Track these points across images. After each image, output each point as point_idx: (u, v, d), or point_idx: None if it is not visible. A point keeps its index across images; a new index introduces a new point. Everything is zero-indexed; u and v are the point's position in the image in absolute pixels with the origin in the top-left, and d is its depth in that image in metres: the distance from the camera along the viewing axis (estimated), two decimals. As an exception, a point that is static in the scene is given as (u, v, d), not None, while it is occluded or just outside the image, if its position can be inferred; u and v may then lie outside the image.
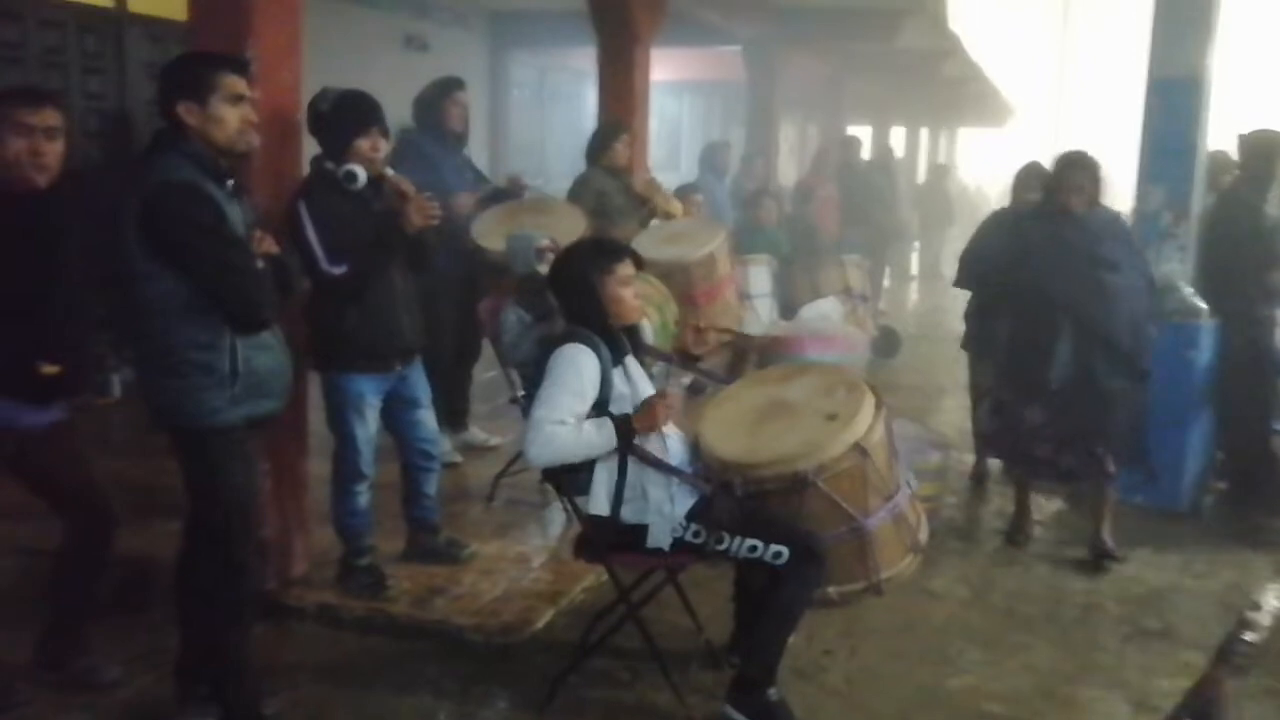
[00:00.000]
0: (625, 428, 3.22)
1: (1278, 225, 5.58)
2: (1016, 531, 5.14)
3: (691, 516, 3.27)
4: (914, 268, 17.42)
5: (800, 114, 18.31)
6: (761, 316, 6.60)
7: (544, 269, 4.35)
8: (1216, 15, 5.73)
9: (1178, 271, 5.64)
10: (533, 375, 3.44)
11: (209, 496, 3.14)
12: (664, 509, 3.25)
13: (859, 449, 3.23)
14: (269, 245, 3.21)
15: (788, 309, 6.88)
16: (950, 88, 17.03)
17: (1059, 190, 4.74)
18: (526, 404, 3.48)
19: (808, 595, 3.24)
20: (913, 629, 4.15)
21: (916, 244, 17.19)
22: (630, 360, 3.45)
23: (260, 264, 3.14)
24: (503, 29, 12.51)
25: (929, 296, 14.93)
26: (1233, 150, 5.98)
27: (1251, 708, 3.75)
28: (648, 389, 3.46)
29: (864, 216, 11.07)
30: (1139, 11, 7.02)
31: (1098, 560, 4.78)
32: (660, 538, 3.27)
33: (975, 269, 5.75)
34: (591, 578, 4.30)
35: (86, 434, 3.59)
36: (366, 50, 9.37)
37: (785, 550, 3.15)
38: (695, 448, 3.45)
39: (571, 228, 5.19)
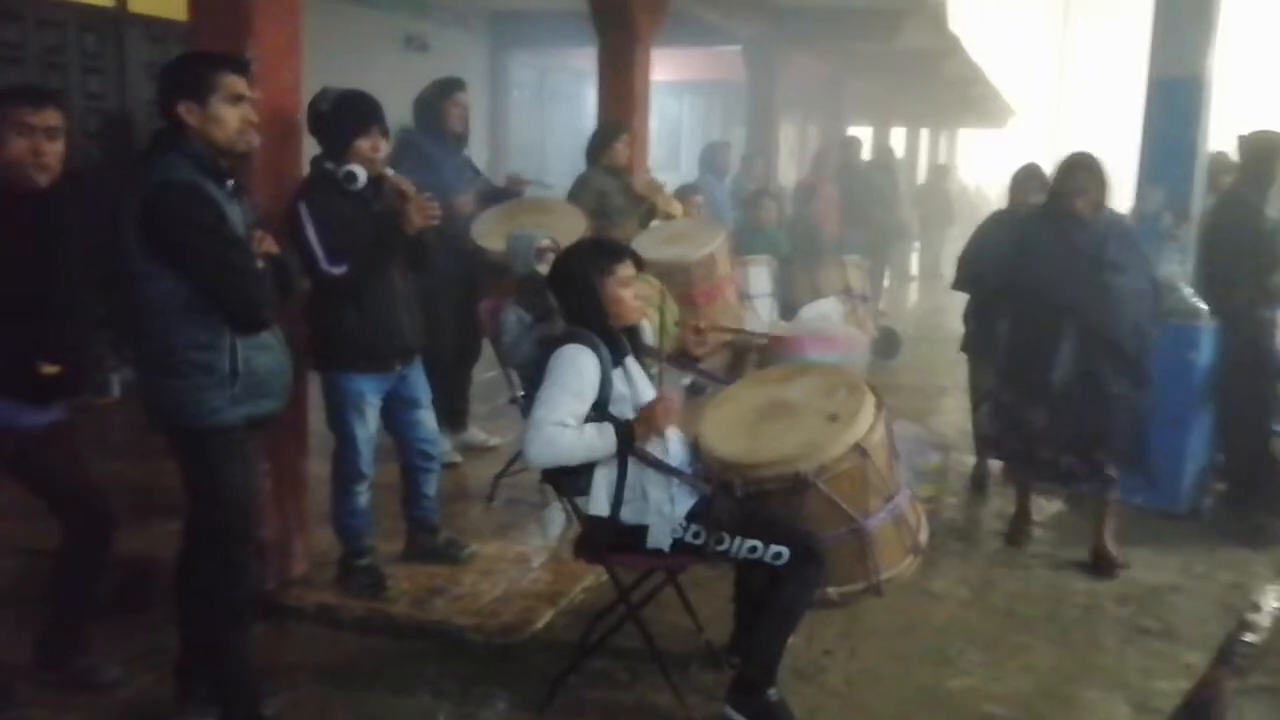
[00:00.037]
0: (626, 432, 3.21)
1: (1278, 226, 5.57)
2: (1016, 532, 5.14)
3: (691, 517, 3.27)
4: (914, 268, 17.43)
5: (800, 114, 18.30)
6: (761, 317, 6.61)
7: (544, 269, 4.35)
8: (1217, 15, 5.72)
9: (1177, 273, 5.64)
10: (532, 375, 3.44)
11: (209, 497, 3.14)
12: (664, 509, 3.25)
13: (859, 450, 3.23)
14: (269, 245, 3.21)
15: (788, 309, 6.89)
16: (950, 88, 17.03)
17: (1064, 192, 4.72)
18: (526, 404, 3.48)
19: (808, 596, 3.24)
20: (913, 630, 4.14)
21: (916, 244, 17.19)
22: (630, 361, 3.45)
23: (260, 264, 3.13)
24: (503, 29, 12.51)
25: (929, 297, 14.93)
26: (1233, 151, 5.98)
27: (1251, 708, 3.75)
28: (648, 390, 3.45)
29: (864, 217, 11.08)
30: (1139, 12, 7.02)
31: (1099, 567, 4.77)
32: (660, 538, 3.26)
33: (974, 270, 5.75)
34: (591, 578, 4.30)
35: (86, 434, 3.58)
36: (366, 50, 9.37)
37: (785, 551, 3.15)
38: (695, 448, 3.45)
39: (571, 228, 5.19)
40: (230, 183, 3.09)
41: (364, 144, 3.90)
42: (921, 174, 20.85)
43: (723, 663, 3.68)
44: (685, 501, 3.28)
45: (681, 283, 5.58)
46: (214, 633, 3.22)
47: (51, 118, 3.19)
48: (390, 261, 3.95)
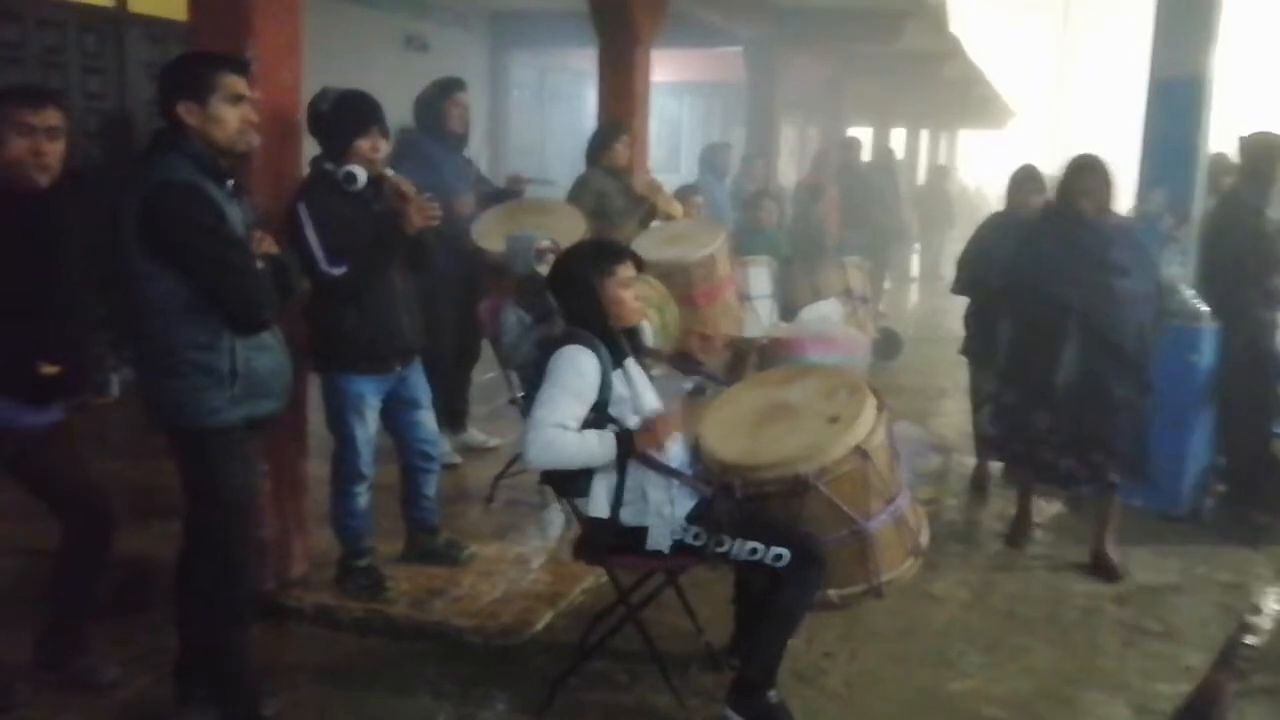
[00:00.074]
0: (627, 442, 3.21)
1: (1278, 228, 5.57)
2: (1017, 534, 5.14)
3: (692, 519, 3.26)
4: (914, 269, 17.42)
5: (801, 115, 18.30)
6: (762, 318, 6.60)
7: (544, 270, 4.34)
8: (1218, 17, 5.72)
9: (1178, 274, 5.64)
10: (532, 376, 3.43)
11: (208, 497, 3.14)
12: (664, 511, 3.25)
13: (860, 452, 3.22)
14: (269, 245, 3.21)
15: (788, 310, 6.88)
16: (951, 89, 17.03)
17: (1070, 193, 4.72)
18: (526, 405, 3.47)
19: (808, 598, 3.23)
20: (913, 632, 4.14)
21: (917, 246, 17.19)
22: (630, 362, 3.44)
23: (260, 264, 3.13)
24: (503, 29, 12.51)
25: (929, 298, 14.93)
26: (1233, 152, 5.98)
27: (1252, 710, 3.75)
28: (648, 391, 3.45)
29: (864, 218, 11.09)
30: (1139, 13, 7.02)
31: (1099, 571, 4.77)
32: (660, 540, 3.26)
33: (974, 273, 5.75)
34: (591, 579, 4.30)
35: (86, 434, 3.58)
36: (366, 50, 9.37)
37: (786, 553, 3.14)
38: (695, 450, 3.44)
39: (571, 229, 5.18)
40: (230, 183, 3.08)
41: (364, 144, 3.90)
42: (922, 175, 20.84)
43: (723, 664, 3.68)
44: (685, 503, 3.28)
45: (681, 284, 5.57)
46: (214, 633, 3.21)
47: (52, 118, 3.18)
48: (390, 262, 3.94)
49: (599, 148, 6.30)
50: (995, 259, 5.37)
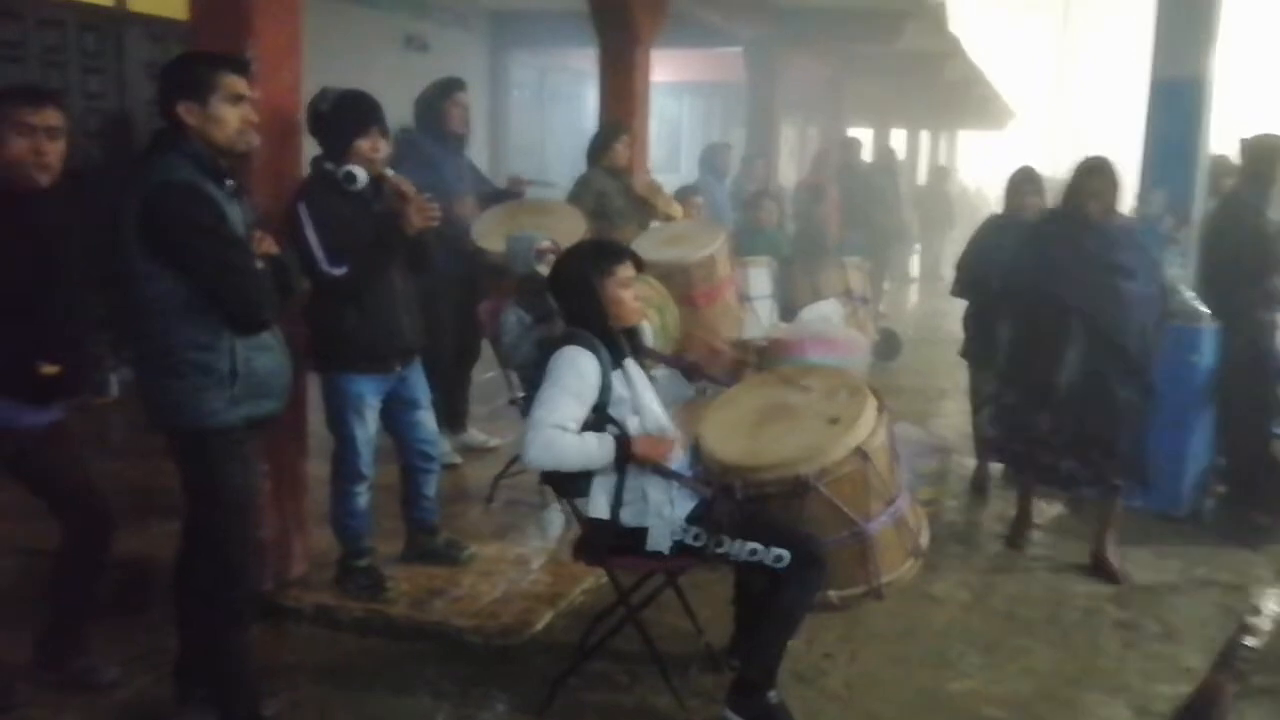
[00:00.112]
0: (626, 448, 3.21)
1: (1279, 229, 5.57)
2: (1017, 535, 5.13)
3: (692, 519, 3.26)
4: (914, 270, 17.42)
5: (801, 116, 18.30)
6: (762, 318, 6.60)
7: (544, 270, 4.34)
8: (1218, 17, 5.72)
9: (1179, 275, 5.64)
10: (532, 377, 3.44)
11: (208, 497, 3.13)
12: (664, 512, 3.25)
13: (860, 453, 3.22)
14: (269, 245, 3.20)
15: (788, 311, 6.88)
16: (951, 90, 17.02)
17: (1078, 196, 4.72)
18: (526, 405, 3.47)
19: (808, 599, 3.23)
20: (913, 633, 4.14)
21: (917, 246, 17.19)
22: (630, 363, 3.44)
23: (260, 264, 3.13)
24: (503, 29, 12.51)
25: (929, 299, 14.93)
26: (1234, 154, 5.98)
27: (1252, 711, 3.75)
28: (648, 392, 3.45)
29: (864, 219, 11.09)
30: (1140, 14, 7.03)
31: (1099, 572, 4.76)
32: (660, 541, 3.26)
33: (973, 275, 5.74)
34: (591, 580, 4.29)
35: (84, 434, 3.58)
36: (366, 50, 9.36)
37: (786, 554, 3.14)
38: (696, 450, 3.44)
39: (571, 229, 5.18)
40: (230, 183, 3.08)
41: (364, 144, 3.90)
42: (922, 176, 20.84)
43: (723, 665, 3.68)
44: (685, 504, 3.28)
45: (681, 284, 5.58)
46: (213, 633, 3.21)
47: (52, 117, 3.18)
48: (390, 262, 3.94)
49: (599, 148, 6.30)
50: (995, 261, 5.37)
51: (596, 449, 3.20)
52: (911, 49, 12.80)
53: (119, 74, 7.04)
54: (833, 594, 3.33)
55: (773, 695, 3.25)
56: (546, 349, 3.36)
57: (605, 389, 3.26)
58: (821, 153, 12.68)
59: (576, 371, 3.22)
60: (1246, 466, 5.80)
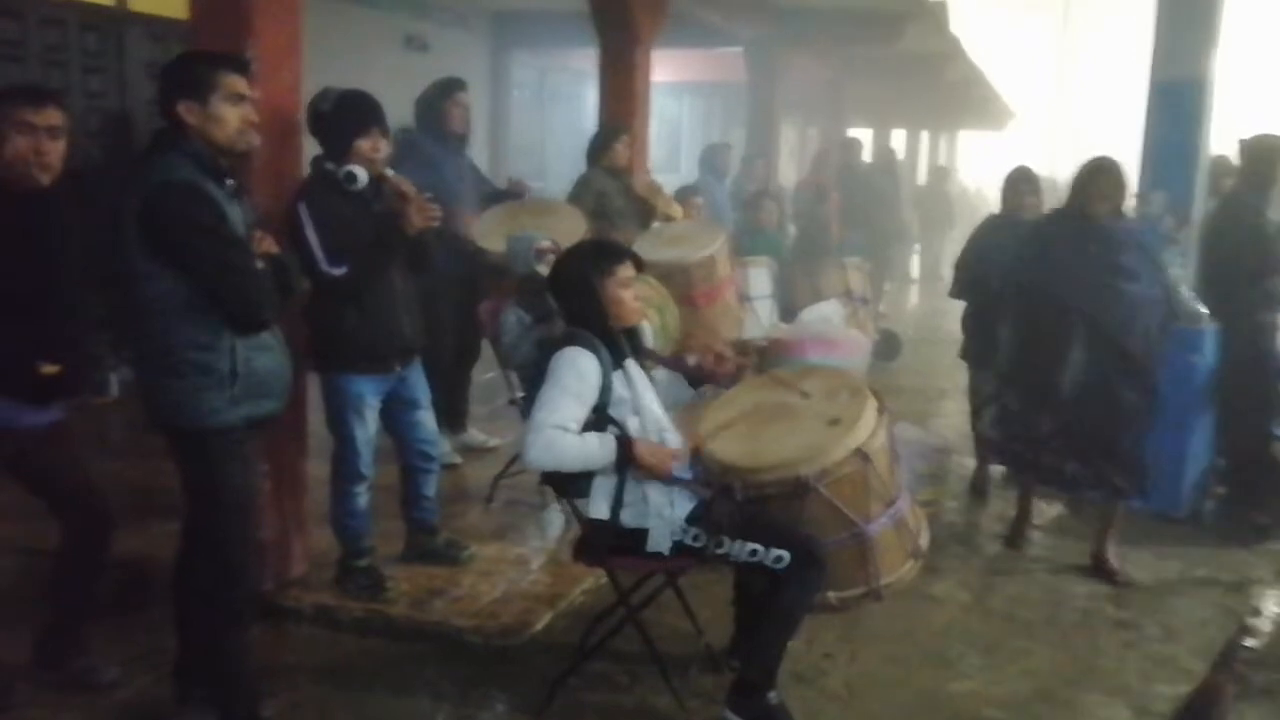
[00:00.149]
0: (627, 449, 3.20)
1: (1279, 230, 5.57)
2: (1016, 535, 5.13)
3: (692, 520, 3.26)
4: (914, 270, 17.42)
5: (801, 116, 18.30)
6: (762, 319, 6.60)
7: (544, 270, 4.34)
8: (1219, 18, 5.72)
9: (1179, 276, 5.63)
10: (532, 377, 3.43)
11: (208, 498, 3.13)
12: (664, 512, 3.24)
13: (861, 454, 3.22)
14: (269, 245, 3.20)
15: (788, 312, 6.88)
16: (951, 91, 17.02)
17: (1084, 196, 4.70)
18: (526, 406, 3.47)
19: (809, 600, 3.23)
20: (912, 634, 4.14)
21: (917, 247, 17.19)
22: (630, 363, 3.44)
23: (260, 264, 3.13)
24: (503, 29, 12.51)
25: (929, 299, 14.92)
26: (1234, 154, 5.98)
27: (1252, 712, 3.75)
28: (648, 392, 3.45)
29: (865, 219, 11.08)
30: (1140, 15, 7.02)
31: (1099, 573, 4.77)
32: (660, 541, 3.26)
33: (972, 275, 5.73)
34: (590, 580, 4.29)
35: (84, 434, 3.58)
36: (366, 50, 9.37)
37: (786, 555, 3.14)
38: (696, 451, 3.44)
39: (572, 229, 5.18)
40: (230, 182, 3.08)
41: (365, 144, 3.90)
42: (922, 176, 20.84)
43: (722, 666, 3.68)
44: (685, 504, 3.27)
45: (681, 284, 5.57)
46: (213, 633, 3.21)
47: (53, 117, 3.18)
48: (390, 262, 3.94)
49: (599, 148, 6.30)
50: (993, 261, 5.36)
51: (598, 449, 3.19)
52: (912, 50, 12.79)
53: (119, 73, 7.04)
54: (832, 595, 3.33)
55: (773, 696, 3.25)
56: (547, 349, 3.35)
57: (606, 389, 3.26)
58: (821, 153, 12.68)
59: (577, 372, 3.22)
60: (1246, 467, 5.80)
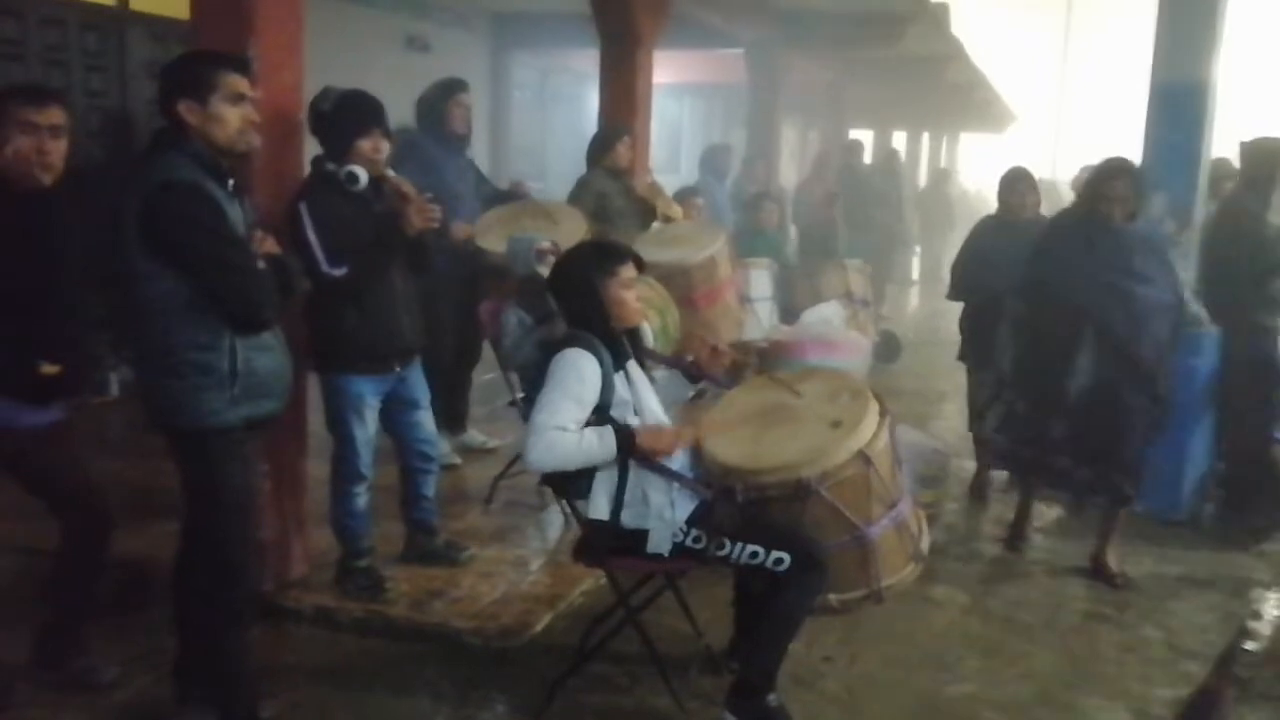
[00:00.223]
0: (627, 440, 3.19)
1: (1279, 233, 5.56)
2: (1016, 538, 5.12)
3: (692, 522, 3.26)
4: (915, 272, 17.41)
5: (801, 118, 18.30)
6: (762, 320, 6.61)
7: (544, 271, 4.34)
8: (1221, 21, 5.71)
9: (1181, 279, 5.63)
10: (533, 378, 3.43)
11: (208, 498, 3.13)
12: (665, 514, 3.24)
13: (863, 457, 3.22)
14: (270, 245, 3.20)
15: (788, 313, 6.88)
16: (952, 93, 17.02)
17: (1099, 198, 4.66)
18: (526, 407, 3.47)
19: (809, 602, 3.23)
20: (912, 636, 4.14)
21: (917, 248, 17.18)
22: (631, 364, 3.44)
23: (261, 264, 3.13)
24: (504, 30, 12.51)
25: (930, 301, 14.92)
26: (1234, 157, 5.97)
27: (1252, 716, 3.75)
28: (649, 393, 3.44)
29: (866, 221, 11.08)
30: (1142, 17, 7.02)
31: (1098, 576, 4.76)
32: (660, 543, 3.25)
33: (971, 277, 5.71)
34: (590, 581, 4.29)
35: (84, 434, 3.58)
36: (367, 50, 9.36)
37: (787, 557, 3.14)
38: (697, 453, 3.43)
39: (573, 230, 5.18)
40: (231, 182, 3.08)
41: (365, 144, 3.90)
42: (923, 178, 20.84)
43: (722, 667, 3.68)
44: (686, 506, 3.27)
45: (682, 285, 5.57)
46: (213, 633, 3.21)
47: (55, 116, 3.18)
48: (390, 263, 3.94)
49: (600, 149, 6.30)
50: (991, 263, 5.35)
51: (598, 444, 3.18)
52: (913, 52, 12.80)
53: (120, 73, 7.04)
54: (833, 597, 3.32)
55: (772, 698, 3.25)
56: (547, 350, 3.35)
57: (607, 390, 3.25)
58: (822, 154, 12.68)
59: (577, 374, 3.22)
60: (1246, 471, 5.80)
